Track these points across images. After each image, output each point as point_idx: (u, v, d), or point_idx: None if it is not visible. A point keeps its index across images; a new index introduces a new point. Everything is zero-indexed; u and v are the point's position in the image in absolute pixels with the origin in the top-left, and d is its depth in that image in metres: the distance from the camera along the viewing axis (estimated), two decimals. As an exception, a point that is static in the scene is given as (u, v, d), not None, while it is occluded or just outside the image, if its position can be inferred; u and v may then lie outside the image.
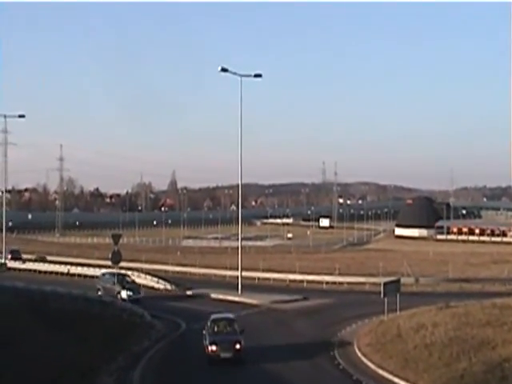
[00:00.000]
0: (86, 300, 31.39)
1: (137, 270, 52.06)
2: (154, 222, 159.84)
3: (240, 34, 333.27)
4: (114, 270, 38.94)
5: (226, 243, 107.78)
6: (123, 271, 41.70)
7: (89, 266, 57.46)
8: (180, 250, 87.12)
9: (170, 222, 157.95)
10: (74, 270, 56.02)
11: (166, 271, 57.80)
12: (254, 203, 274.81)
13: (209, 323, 23.55)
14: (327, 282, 47.83)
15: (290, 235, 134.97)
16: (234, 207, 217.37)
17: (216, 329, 23.12)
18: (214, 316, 24.30)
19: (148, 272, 51.18)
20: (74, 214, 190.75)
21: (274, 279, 50.23)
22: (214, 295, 41.29)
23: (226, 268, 54.61)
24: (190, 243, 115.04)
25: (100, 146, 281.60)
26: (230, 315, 24.99)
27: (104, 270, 43.47)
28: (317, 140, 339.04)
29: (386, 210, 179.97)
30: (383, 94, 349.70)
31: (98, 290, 38.52)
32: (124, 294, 36.55)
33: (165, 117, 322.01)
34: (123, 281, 38.49)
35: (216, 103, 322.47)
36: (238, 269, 43.50)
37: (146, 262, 62.06)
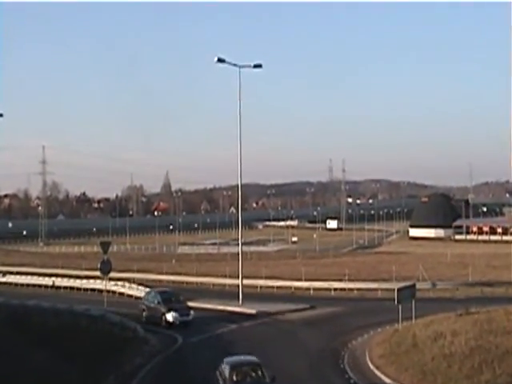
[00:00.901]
0: (72, 314, 31.34)
1: (128, 280, 52.14)
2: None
3: (239, 31, 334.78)
4: (162, 288, 36.36)
5: (225, 249, 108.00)
6: (168, 288, 38.59)
7: (76, 277, 57.55)
8: (175, 258, 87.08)
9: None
10: (59, 282, 56.05)
11: (160, 281, 57.86)
12: (255, 205, 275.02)
13: (225, 371, 18.56)
14: (336, 289, 47.89)
15: (294, 239, 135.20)
16: (233, 210, 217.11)
17: (237, 378, 18.18)
18: (230, 360, 19.16)
19: (141, 282, 51.20)
20: (58, 221, 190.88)
21: (278, 287, 50.41)
22: (211, 305, 41.38)
23: (225, 276, 54.80)
24: (186, 250, 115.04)
25: (86, 147, 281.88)
26: (254, 358, 19.49)
27: (149, 289, 40.89)
28: (322, 136, 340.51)
29: (398, 209, 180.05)
30: (393, 87, 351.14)
31: (143, 310, 35.48)
32: (170, 316, 33.43)
33: (157, 114, 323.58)
34: (170, 300, 34.64)
35: (213, 99, 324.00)
36: (238, 277, 43.55)
37: (139, 271, 62.18)
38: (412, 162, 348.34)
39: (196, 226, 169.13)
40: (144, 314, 35.12)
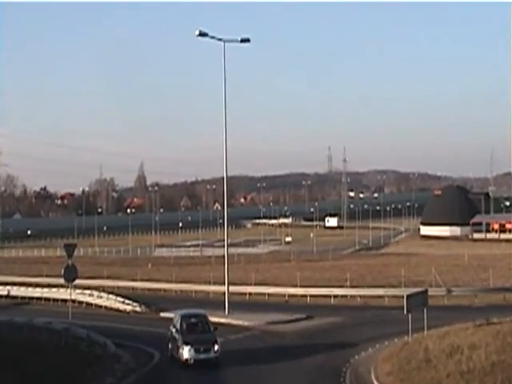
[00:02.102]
0: (32, 328, 31.27)
1: (97, 288, 52.13)
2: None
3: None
4: (191, 310, 31.90)
5: (208, 251, 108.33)
6: (200, 311, 31.41)
7: (36, 285, 57.66)
8: (151, 262, 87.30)
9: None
10: (16, 291, 55.98)
11: (133, 288, 58.35)
12: (243, 200, 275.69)
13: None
14: (336, 296, 48.53)
15: (288, 239, 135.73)
16: (217, 206, 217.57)
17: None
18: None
19: (111, 291, 51.24)
20: (15, 220, 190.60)
21: (270, 294, 51.10)
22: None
23: (209, 282, 55.36)
24: (164, 253, 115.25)
25: (47, 135, 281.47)
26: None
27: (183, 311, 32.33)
28: (320, 121, 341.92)
29: (408, 203, 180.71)
30: (401, 65, 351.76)
31: (168, 340, 29.49)
32: (186, 351, 27.11)
33: (131, 97, 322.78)
34: (192, 327, 28.34)
35: (195, 79, 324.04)
36: (224, 283, 43.83)
37: (109, 277, 62.51)
38: (423, 149, 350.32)
39: (179, 225, 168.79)
40: (169, 345, 29.42)
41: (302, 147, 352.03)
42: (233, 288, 47.30)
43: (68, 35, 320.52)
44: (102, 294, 48.67)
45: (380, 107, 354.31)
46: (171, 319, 29.92)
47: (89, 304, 48.81)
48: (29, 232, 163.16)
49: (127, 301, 47.26)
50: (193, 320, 28.31)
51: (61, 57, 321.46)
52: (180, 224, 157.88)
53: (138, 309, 46.00)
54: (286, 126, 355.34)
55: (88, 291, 49.96)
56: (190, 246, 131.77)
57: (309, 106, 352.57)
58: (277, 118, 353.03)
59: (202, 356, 26.69)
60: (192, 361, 26.59)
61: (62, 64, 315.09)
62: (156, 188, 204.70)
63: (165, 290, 57.01)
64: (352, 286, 50.25)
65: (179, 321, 28.14)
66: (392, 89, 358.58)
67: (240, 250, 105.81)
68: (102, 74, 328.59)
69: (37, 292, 54.27)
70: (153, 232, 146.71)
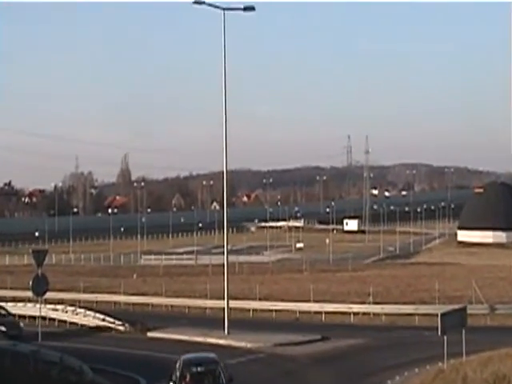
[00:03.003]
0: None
1: (73, 303, 52.09)
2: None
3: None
4: (195, 354, 26.52)
5: (205, 259, 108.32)
6: (206, 353, 27.01)
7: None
8: (137, 272, 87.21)
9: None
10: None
11: (116, 303, 58.40)
12: (246, 199, 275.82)
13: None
14: (356, 314, 48.58)
15: (300, 245, 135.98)
16: (216, 205, 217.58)
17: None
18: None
19: (89, 306, 51.35)
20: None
21: (278, 311, 51.23)
22: (185, 336, 41.72)
23: (205, 296, 55.42)
24: (152, 261, 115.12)
25: (13, 121, 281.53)
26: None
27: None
28: (338, 106, 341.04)
29: (443, 204, 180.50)
30: (434, 43, 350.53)
31: None
32: None
33: (113, 78, 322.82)
34: (197, 376, 23.65)
35: (188, 58, 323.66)
36: (223, 297, 43.83)
37: (87, 290, 62.34)
38: (461, 139, 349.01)
39: (170, 228, 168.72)
40: None
41: (315, 136, 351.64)
42: (234, 303, 47.26)
43: (40, 13, 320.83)
44: (79, 310, 48.58)
45: (409, 88, 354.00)
46: (161, 340, 29.88)
47: (62, 321, 48.73)
48: None
49: (108, 318, 47.16)
50: (199, 369, 23.83)
51: (31, 34, 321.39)
52: (171, 227, 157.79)
53: (120, 328, 45.95)
54: (296, 111, 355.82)
55: (61, 306, 49.81)
56: (182, 253, 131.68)
57: (324, 87, 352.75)
58: (286, 102, 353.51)
59: None
60: None
61: (32, 41, 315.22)
62: (142, 184, 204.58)
63: (153, 306, 56.95)
64: (376, 302, 50.33)
65: (180, 369, 23.85)
66: (422, 68, 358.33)
67: (242, 257, 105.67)
68: (78, 51, 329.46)
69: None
70: (139, 236, 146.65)
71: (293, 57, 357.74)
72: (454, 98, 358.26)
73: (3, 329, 37.68)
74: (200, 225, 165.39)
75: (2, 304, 47.26)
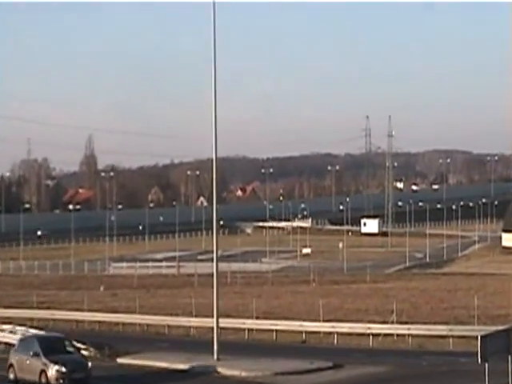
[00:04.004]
0: None
1: (23, 322, 51.68)
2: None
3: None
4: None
5: (189, 268, 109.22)
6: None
7: None
8: (105, 283, 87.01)
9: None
10: None
11: (78, 322, 57.99)
12: (240, 193, 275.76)
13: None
14: (377, 336, 48.37)
15: (307, 250, 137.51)
16: (203, 201, 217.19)
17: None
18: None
19: (43, 327, 51.38)
20: None
21: (280, 331, 50.99)
22: (164, 363, 41.52)
23: (190, 314, 55.39)
24: (124, 269, 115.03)
25: None
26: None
27: None
28: (353, 82, 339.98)
29: (484, 200, 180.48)
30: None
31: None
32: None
33: (76, 48, 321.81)
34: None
35: (171, 24, 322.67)
36: (212, 314, 43.38)
37: (41, 306, 62.47)
38: (504, 123, 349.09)
39: (141, 227, 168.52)
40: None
41: (326, 117, 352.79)
42: (225, 321, 47.26)
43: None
44: (31, 331, 48.10)
45: (440, 64, 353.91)
46: (134, 367, 29.81)
47: (9, 345, 48.26)
48: None
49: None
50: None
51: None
52: (147, 227, 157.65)
53: (84, 352, 45.53)
54: (301, 88, 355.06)
55: (9, 326, 49.41)
56: (162, 260, 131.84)
57: (335, 59, 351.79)
58: (288, 76, 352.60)
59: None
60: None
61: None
62: (112, 174, 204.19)
63: (125, 325, 56.77)
64: (400, 322, 50.22)
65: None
66: (454, 41, 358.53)
67: (236, 265, 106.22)
68: (36, 16, 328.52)
69: None
70: (107, 239, 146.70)
71: (294, 25, 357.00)
72: (495, 74, 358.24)
73: (63, 369, 35.35)
74: (177, 225, 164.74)
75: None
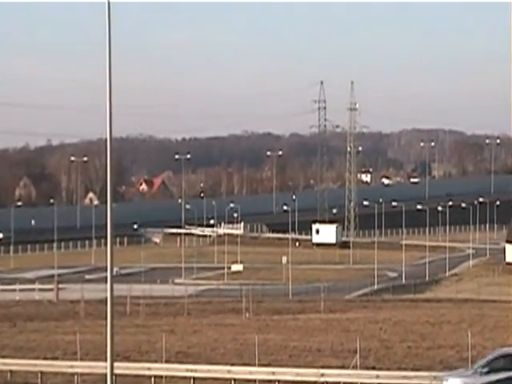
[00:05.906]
0: None
1: None
2: None
3: None
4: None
5: (73, 291, 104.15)
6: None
7: None
8: None
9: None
10: None
11: None
12: (144, 187, 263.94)
13: None
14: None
15: (237, 267, 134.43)
16: (92, 198, 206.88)
17: None
18: None
19: None
20: None
21: (199, 379, 46.47)
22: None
23: (73, 355, 51.15)
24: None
25: None
26: None
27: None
28: (302, 38, 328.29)
29: (481, 199, 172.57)
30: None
31: None
32: None
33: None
34: None
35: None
36: (104, 357, 36.34)
37: None
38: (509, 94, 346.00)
39: (1, 235, 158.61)
40: None
41: (264, 82, 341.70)
42: (123, 366, 44.47)
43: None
44: None
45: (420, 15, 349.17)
46: None
47: None
48: None
49: None
50: None
51: None
52: (13, 233, 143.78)
53: None
54: (229, 40, 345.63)
55: None
56: (34, 281, 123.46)
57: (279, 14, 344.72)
58: (210, 26, 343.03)
59: None
60: None
61: None
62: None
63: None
64: (366, 367, 46.07)
65: None
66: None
67: (139, 288, 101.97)
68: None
69: None
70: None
71: None
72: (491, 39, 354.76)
73: None
74: (56, 232, 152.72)
75: None
